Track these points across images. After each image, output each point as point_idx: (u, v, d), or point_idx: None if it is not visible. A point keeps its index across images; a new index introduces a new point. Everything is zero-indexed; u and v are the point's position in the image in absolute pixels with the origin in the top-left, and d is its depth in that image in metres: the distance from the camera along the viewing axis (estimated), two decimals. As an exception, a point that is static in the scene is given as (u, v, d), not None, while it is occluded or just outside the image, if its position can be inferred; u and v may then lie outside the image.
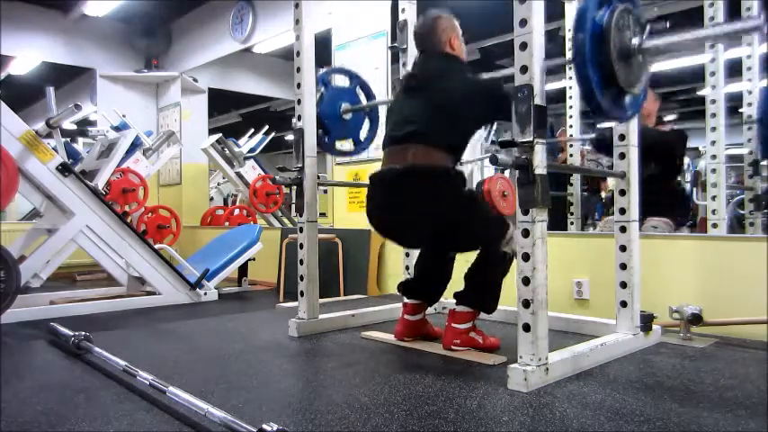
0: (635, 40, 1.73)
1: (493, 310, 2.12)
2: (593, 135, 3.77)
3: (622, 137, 2.19)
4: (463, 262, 2.19)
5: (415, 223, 2.08)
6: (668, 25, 1.83)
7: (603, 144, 3.07)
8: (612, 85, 1.71)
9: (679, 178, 3.53)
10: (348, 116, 2.81)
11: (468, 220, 2.04)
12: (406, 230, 2.18)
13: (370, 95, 2.90)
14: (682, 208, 3.40)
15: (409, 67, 2.84)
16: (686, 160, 4.98)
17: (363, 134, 2.91)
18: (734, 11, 3.19)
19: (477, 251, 2.14)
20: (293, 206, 2.54)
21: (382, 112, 2.68)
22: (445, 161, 2.03)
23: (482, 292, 2.11)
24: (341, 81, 2.88)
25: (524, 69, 1.66)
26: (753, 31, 1.67)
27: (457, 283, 2.19)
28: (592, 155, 4.08)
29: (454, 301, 2.13)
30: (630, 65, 1.74)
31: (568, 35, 4.07)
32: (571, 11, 3.97)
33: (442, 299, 2.46)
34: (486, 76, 2.29)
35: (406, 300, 2.31)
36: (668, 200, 3.17)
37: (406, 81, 2.26)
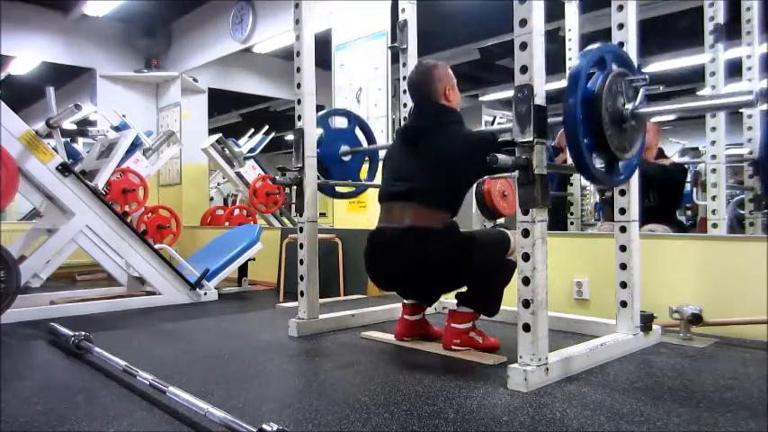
0: (628, 106, 1.73)
1: (495, 313, 2.13)
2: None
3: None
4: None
5: (415, 281, 2.11)
6: (661, 89, 1.85)
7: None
8: (605, 151, 1.71)
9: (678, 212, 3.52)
10: (347, 158, 2.84)
11: (470, 264, 2.04)
12: (407, 287, 2.22)
13: (369, 135, 2.94)
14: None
15: (407, 107, 2.85)
16: (686, 159, 4.97)
17: (364, 174, 2.96)
18: (734, 11, 3.19)
19: None
20: (293, 206, 2.55)
21: (382, 150, 2.72)
22: (442, 220, 2.04)
23: (485, 295, 2.11)
24: (340, 123, 2.93)
25: (524, 69, 1.66)
26: (745, 105, 1.66)
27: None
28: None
29: (454, 301, 2.14)
30: (623, 130, 1.74)
31: (568, 35, 4.07)
32: (571, 11, 3.97)
33: (441, 298, 2.46)
34: (481, 128, 2.30)
35: (405, 300, 2.31)
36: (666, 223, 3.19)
37: (403, 133, 2.26)
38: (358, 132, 2.91)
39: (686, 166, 3.42)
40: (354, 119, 2.91)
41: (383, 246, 2.15)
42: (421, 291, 2.22)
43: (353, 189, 2.98)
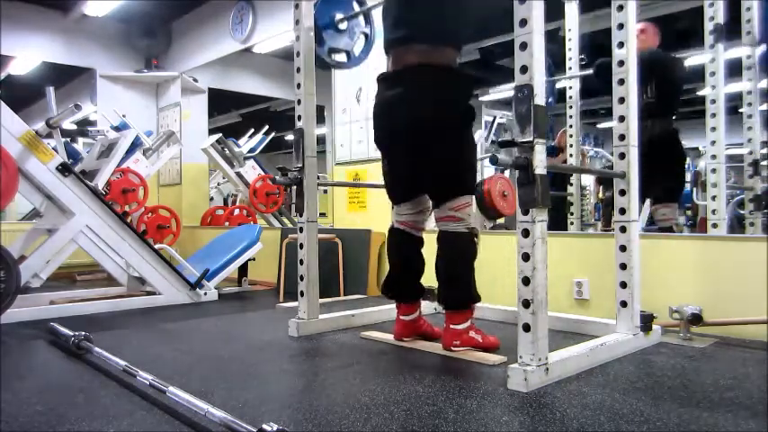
0: None
1: (477, 296, 2.11)
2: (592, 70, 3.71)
3: (622, 137, 2.19)
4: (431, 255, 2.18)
5: (417, 117, 2.05)
6: None
7: (603, 70, 3.03)
8: None
9: (674, 121, 3.42)
10: (343, 26, 2.73)
11: (459, 141, 2.06)
12: (406, 127, 2.10)
13: (367, 16, 2.81)
14: (677, 168, 3.39)
15: None
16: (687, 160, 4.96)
17: (358, 49, 2.82)
18: (734, 11, 3.19)
19: (441, 232, 2.14)
20: (293, 206, 2.54)
21: (379, 29, 2.58)
22: (447, 57, 2.06)
23: (459, 285, 2.10)
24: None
25: (524, 69, 1.66)
26: None
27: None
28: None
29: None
30: None
31: (568, 35, 4.08)
32: (571, 11, 3.97)
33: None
34: None
35: (400, 301, 2.31)
36: (664, 156, 3.16)
37: None
38: (355, 5, 2.78)
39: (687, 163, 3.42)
40: None
41: (390, 82, 2.15)
42: (420, 140, 2.09)
43: (347, 61, 2.82)
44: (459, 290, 2.10)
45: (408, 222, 2.29)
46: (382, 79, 2.22)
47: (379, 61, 3.89)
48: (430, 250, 2.23)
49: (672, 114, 3.37)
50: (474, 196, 2.15)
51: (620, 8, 2.17)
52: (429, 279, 2.30)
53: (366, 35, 2.83)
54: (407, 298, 2.29)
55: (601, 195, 4.48)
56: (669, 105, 3.32)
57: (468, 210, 2.12)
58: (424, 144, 2.08)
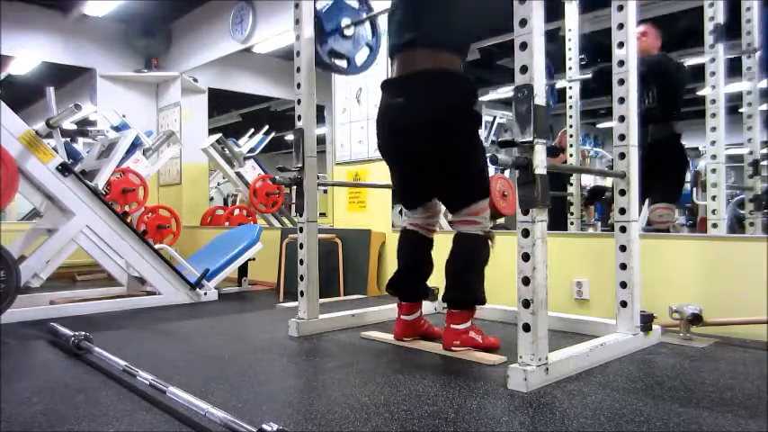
0: None
1: (484, 299, 2.11)
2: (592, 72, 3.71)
3: (622, 137, 2.19)
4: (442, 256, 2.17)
5: (423, 125, 2.03)
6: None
7: (602, 77, 3.03)
8: None
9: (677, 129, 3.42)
10: (349, 32, 2.71)
11: (469, 147, 2.06)
12: (412, 136, 2.08)
13: (375, 31, 2.79)
14: (678, 171, 3.37)
15: None
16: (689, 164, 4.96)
17: (360, 59, 2.79)
18: (734, 10, 3.19)
19: (454, 234, 2.14)
20: (293, 206, 2.54)
21: (384, 45, 2.61)
22: (452, 63, 2.05)
23: (468, 286, 2.10)
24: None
25: (524, 69, 1.66)
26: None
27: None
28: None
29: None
30: None
31: (568, 35, 4.07)
32: (571, 11, 3.97)
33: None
34: None
35: (401, 300, 2.31)
36: (666, 161, 3.15)
37: None
38: (367, 26, 2.77)
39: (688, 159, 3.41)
40: (364, 2, 2.74)
41: (394, 88, 2.14)
42: (422, 142, 2.07)
43: (347, 68, 2.78)
44: (464, 290, 2.10)
45: (420, 224, 2.31)
46: (387, 86, 2.20)
47: (379, 59, 3.90)
48: (439, 252, 2.24)
49: (673, 119, 3.37)
50: (489, 198, 2.14)
51: (620, 8, 2.17)
52: (432, 280, 2.31)
53: (371, 47, 2.83)
54: (411, 297, 2.29)
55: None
56: (670, 111, 3.31)
57: (485, 213, 2.12)
58: (433, 153, 2.07)
